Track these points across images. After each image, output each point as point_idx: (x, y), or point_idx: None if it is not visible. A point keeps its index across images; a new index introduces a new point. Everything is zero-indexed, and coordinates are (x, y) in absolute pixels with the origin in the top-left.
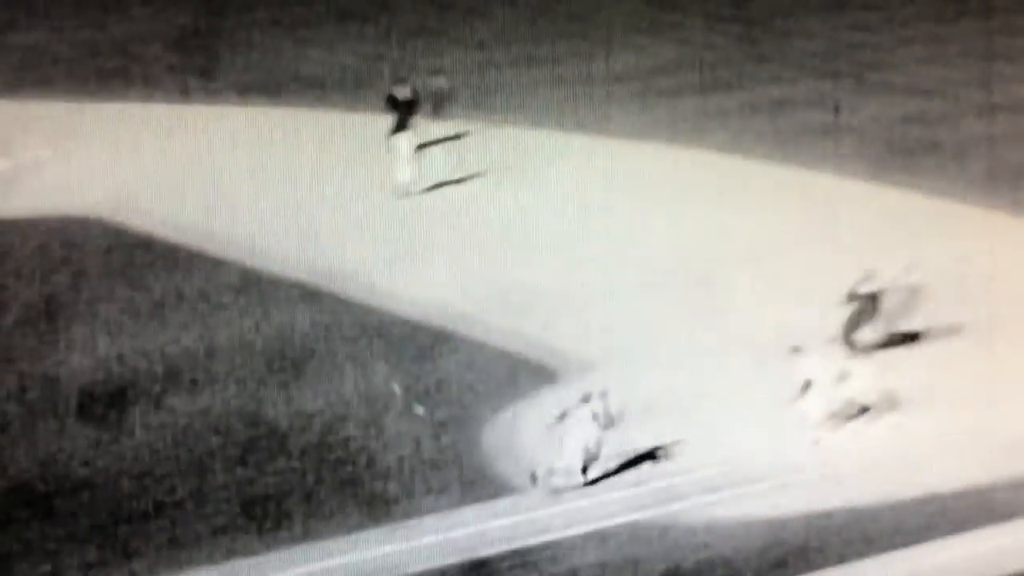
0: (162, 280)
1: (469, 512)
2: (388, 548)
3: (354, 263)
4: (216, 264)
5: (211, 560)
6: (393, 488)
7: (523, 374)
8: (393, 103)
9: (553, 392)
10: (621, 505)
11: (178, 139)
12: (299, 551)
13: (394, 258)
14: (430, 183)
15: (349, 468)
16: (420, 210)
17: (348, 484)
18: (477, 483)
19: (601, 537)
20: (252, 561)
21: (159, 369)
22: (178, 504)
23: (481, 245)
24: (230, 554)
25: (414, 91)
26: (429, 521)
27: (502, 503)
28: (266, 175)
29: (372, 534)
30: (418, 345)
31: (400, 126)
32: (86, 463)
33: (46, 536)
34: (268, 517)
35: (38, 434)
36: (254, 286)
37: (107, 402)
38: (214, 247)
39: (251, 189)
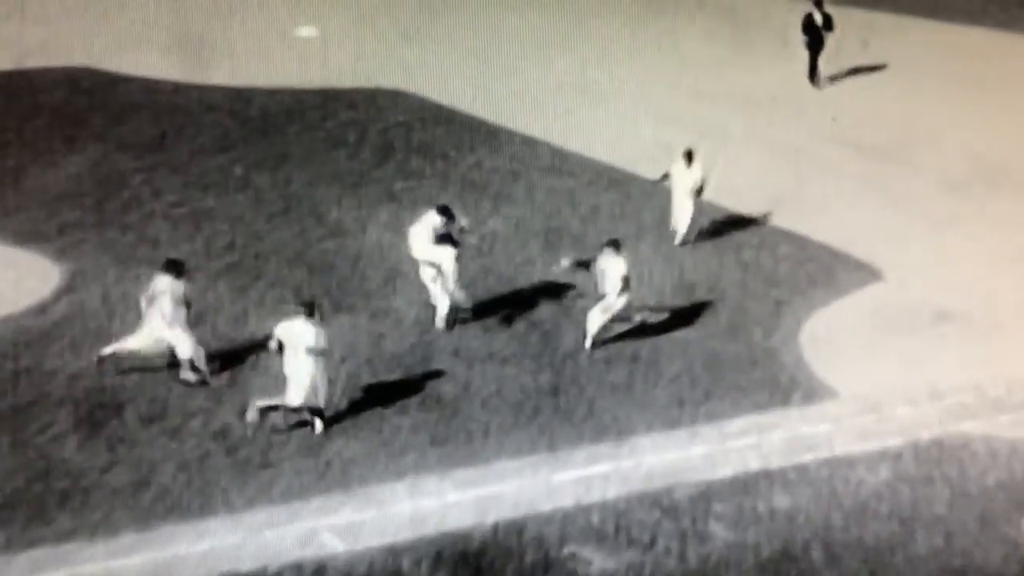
0: (463, 153)
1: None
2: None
3: None
4: (525, 142)
5: None
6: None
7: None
8: None
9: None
10: (906, 422)
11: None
12: None
13: None
14: None
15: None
16: None
17: None
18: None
19: (893, 455)
20: None
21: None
22: None
23: None
24: None
25: None
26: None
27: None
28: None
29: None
30: None
31: None
32: None
33: None
34: None
35: None
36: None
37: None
38: (519, 127)
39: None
